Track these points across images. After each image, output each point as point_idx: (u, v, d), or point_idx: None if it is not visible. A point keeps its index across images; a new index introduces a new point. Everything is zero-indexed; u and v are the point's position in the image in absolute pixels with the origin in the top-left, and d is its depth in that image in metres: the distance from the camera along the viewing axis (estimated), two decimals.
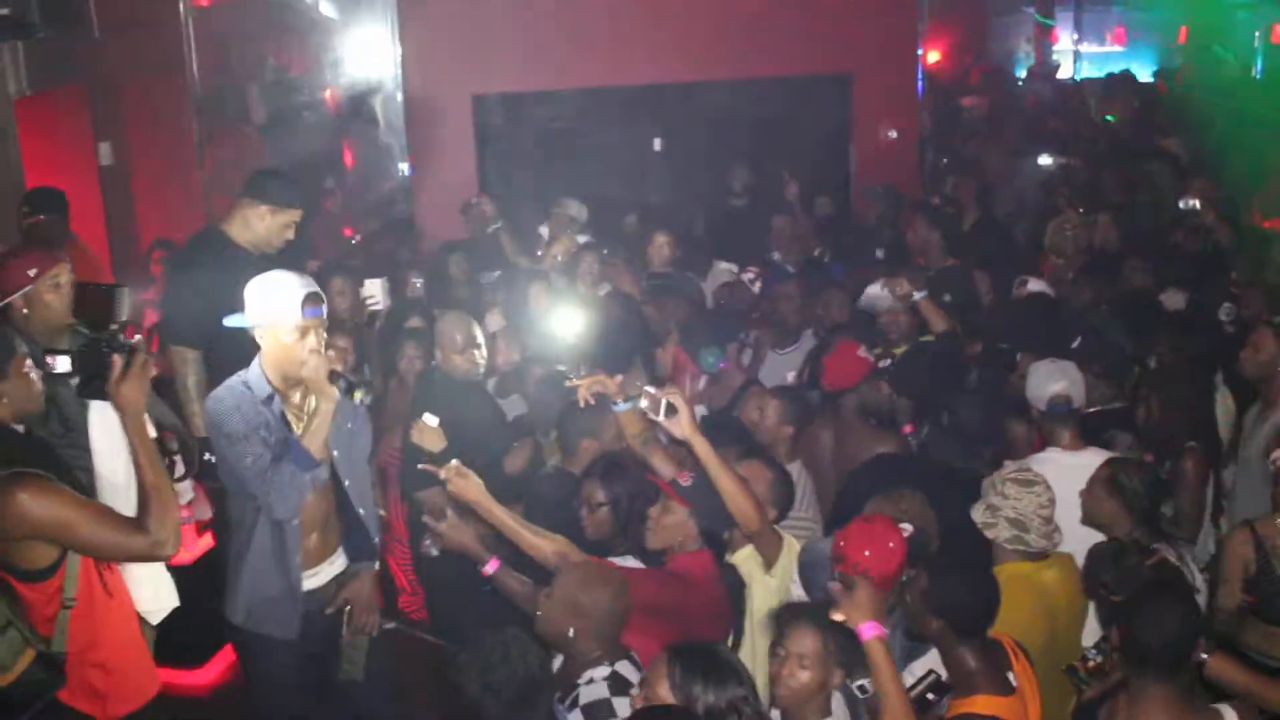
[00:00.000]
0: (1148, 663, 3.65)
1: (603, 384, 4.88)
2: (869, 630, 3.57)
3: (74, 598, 3.87)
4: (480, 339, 5.88)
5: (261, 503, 4.50)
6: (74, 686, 3.94)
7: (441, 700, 5.57)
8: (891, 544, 4.02)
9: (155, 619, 4.23)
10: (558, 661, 4.16)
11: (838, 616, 3.64)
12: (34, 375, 3.96)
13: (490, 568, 4.58)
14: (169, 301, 6.28)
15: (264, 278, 4.57)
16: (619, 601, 4.04)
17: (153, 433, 3.99)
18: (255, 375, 4.56)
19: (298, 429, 4.57)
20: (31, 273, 4.86)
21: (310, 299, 4.49)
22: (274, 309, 4.50)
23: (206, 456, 5.94)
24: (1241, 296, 7.11)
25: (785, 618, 3.88)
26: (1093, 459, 5.02)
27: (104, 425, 4.54)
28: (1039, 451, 5.39)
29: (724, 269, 8.81)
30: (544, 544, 4.46)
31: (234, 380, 4.56)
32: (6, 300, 4.87)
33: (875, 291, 6.91)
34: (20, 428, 4.00)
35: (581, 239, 8.42)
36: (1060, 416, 5.34)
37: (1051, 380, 5.38)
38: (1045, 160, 11.37)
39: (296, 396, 4.65)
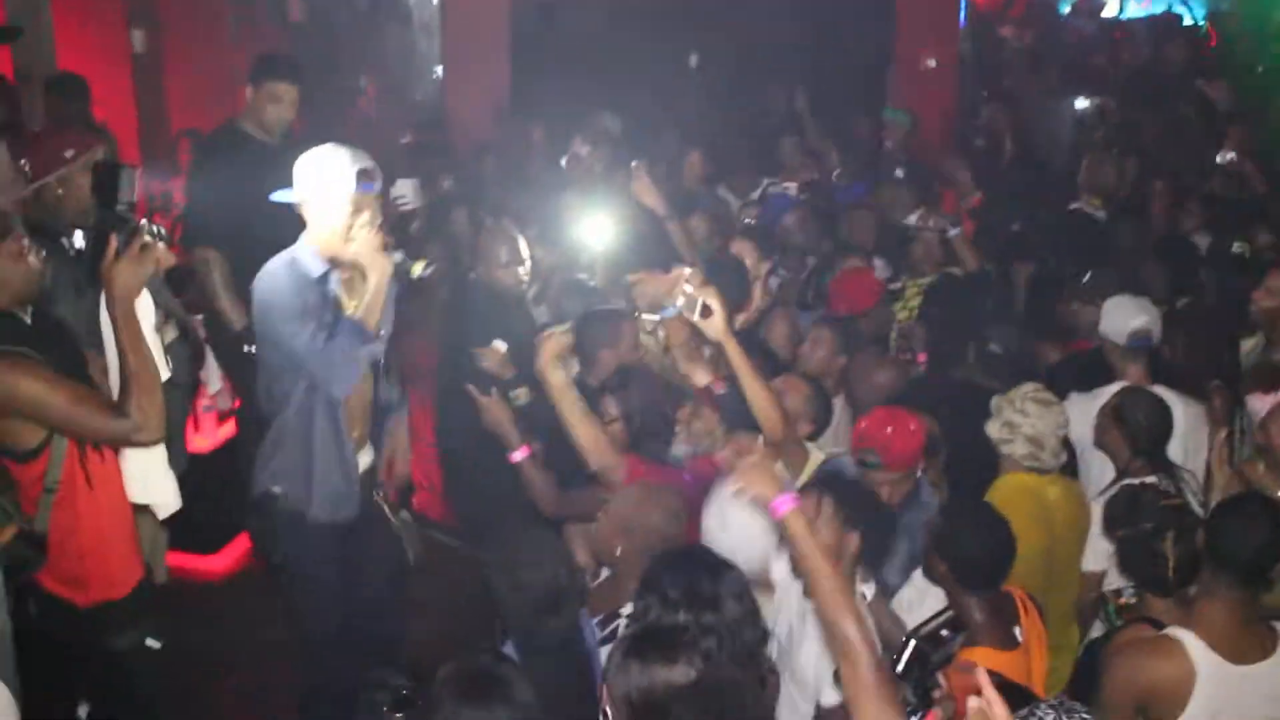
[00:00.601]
0: (1232, 568, 3.60)
1: (656, 280, 4.83)
2: (782, 505, 3.19)
3: (57, 481, 3.87)
4: (525, 253, 5.79)
5: (318, 381, 4.42)
6: (54, 571, 3.95)
7: (453, 600, 5.67)
8: (912, 426, 4.26)
9: (161, 514, 4.22)
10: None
11: (736, 488, 3.35)
12: (32, 258, 3.88)
13: (519, 454, 4.60)
14: (190, 202, 6.28)
15: (316, 152, 4.44)
16: (672, 525, 4.02)
17: (149, 323, 3.91)
18: (305, 253, 4.44)
19: (348, 308, 4.51)
20: (68, 154, 4.78)
21: (364, 174, 4.38)
22: (325, 183, 4.38)
23: (247, 348, 6.00)
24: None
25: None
26: (1161, 394, 5.01)
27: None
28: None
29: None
30: (599, 455, 4.46)
31: (281, 259, 4.44)
32: (42, 182, 4.80)
33: (911, 220, 6.86)
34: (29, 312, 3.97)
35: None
36: (1138, 351, 5.34)
37: (1133, 315, 5.37)
38: (1082, 103, 11.19)
39: (343, 275, 4.56)
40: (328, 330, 4.37)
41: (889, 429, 4.33)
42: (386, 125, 10.97)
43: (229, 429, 6.58)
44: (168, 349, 4.99)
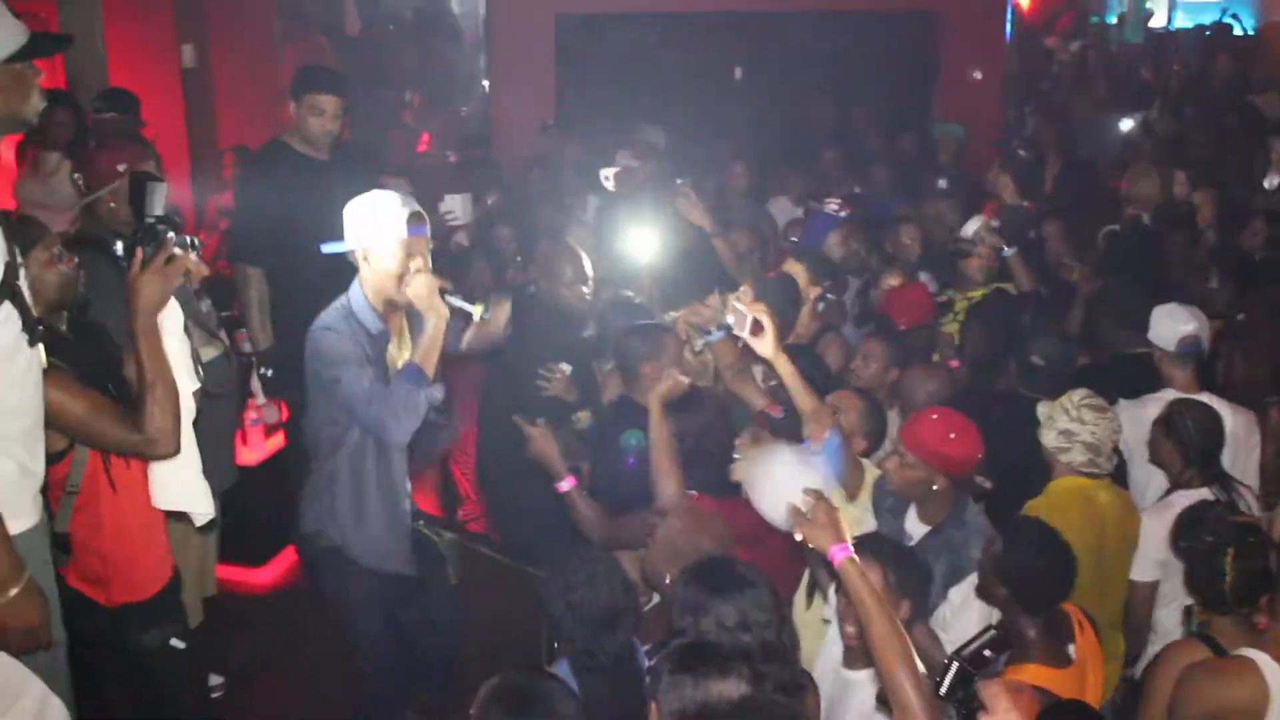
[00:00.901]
0: None
1: (698, 312, 4.82)
2: (839, 553, 3.24)
3: (78, 485, 3.91)
4: (590, 271, 5.77)
5: (377, 430, 4.39)
6: (79, 569, 4.01)
7: (500, 617, 5.67)
8: (971, 433, 4.28)
9: (197, 522, 4.22)
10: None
11: (799, 537, 3.38)
12: (63, 265, 3.94)
13: (566, 485, 4.59)
14: (235, 219, 6.30)
15: (363, 199, 4.45)
16: (720, 552, 3.97)
17: (176, 333, 3.86)
18: (361, 306, 4.42)
19: (398, 356, 4.52)
20: (121, 168, 4.83)
21: (414, 217, 4.38)
22: (376, 230, 4.38)
23: (264, 371, 6.02)
24: None
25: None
26: (1208, 402, 5.03)
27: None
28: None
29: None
30: (673, 492, 4.43)
31: (336, 311, 4.41)
32: (96, 195, 4.88)
33: (968, 231, 6.78)
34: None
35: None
36: (1186, 358, 5.34)
37: (1182, 321, 5.36)
38: (1128, 122, 11.09)
39: (396, 322, 4.58)
40: (385, 379, 4.37)
41: (951, 434, 4.26)
42: (433, 140, 11.05)
43: (277, 441, 6.61)
44: (211, 363, 5.03)
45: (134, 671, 4.23)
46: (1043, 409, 4.73)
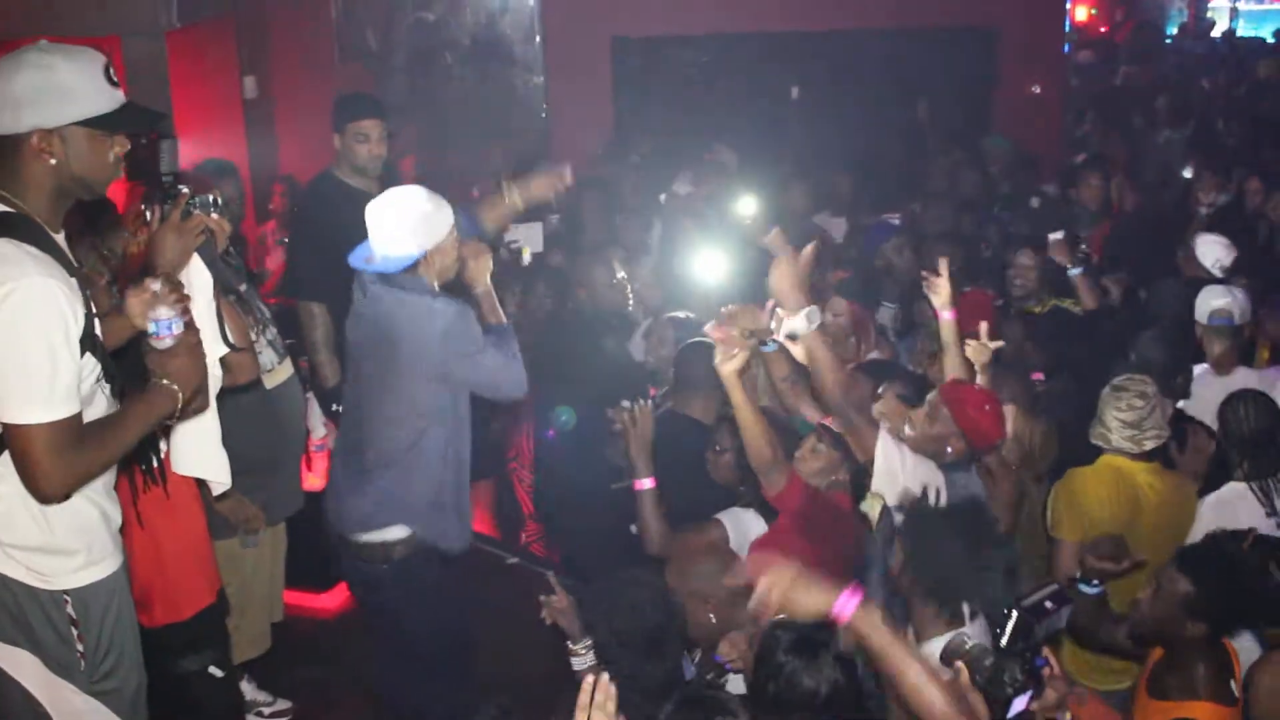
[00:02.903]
0: None
1: (752, 314, 4.78)
2: (845, 609, 2.87)
3: None
4: (621, 274, 5.82)
5: (502, 393, 4.65)
6: None
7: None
8: (988, 404, 4.34)
9: (215, 490, 4.23)
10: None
11: (779, 617, 3.06)
12: None
13: (646, 483, 4.61)
14: (292, 257, 6.31)
15: (407, 206, 4.45)
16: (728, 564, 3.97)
17: (206, 294, 3.88)
18: (444, 298, 4.51)
19: None
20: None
21: (452, 209, 4.57)
22: (438, 227, 4.46)
23: (336, 407, 6.03)
24: None
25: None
26: (1244, 378, 5.39)
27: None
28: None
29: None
30: (765, 457, 4.34)
31: (437, 302, 4.45)
32: None
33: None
34: None
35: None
36: (1218, 330, 5.63)
37: (1215, 296, 5.71)
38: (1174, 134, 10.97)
39: None
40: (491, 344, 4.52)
41: (986, 406, 4.38)
42: (492, 166, 11.09)
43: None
44: (278, 389, 5.06)
45: (172, 697, 4.21)
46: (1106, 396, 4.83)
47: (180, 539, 4.23)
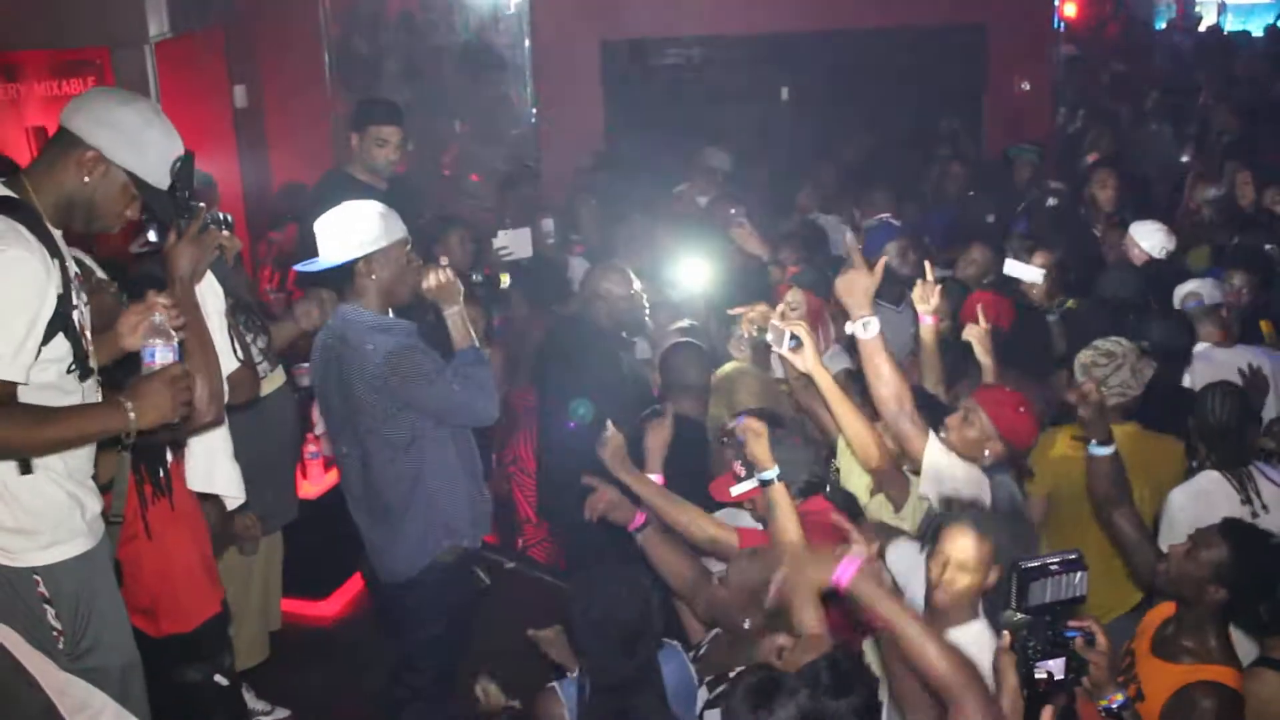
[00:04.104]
0: None
1: (764, 313, 4.79)
2: (845, 573, 3.12)
3: (120, 514, 3.99)
4: (637, 285, 5.84)
5: (474, 419, 4.59)
6: (129, 598, 3.91)
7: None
8: (1035, 420, 4.37)
9: (229, 505, 4.25)
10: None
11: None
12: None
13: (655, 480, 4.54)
14: (302, 249, 6.34)
15: (351, 210, 4.53)
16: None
17: (218, 309, 3.87)
18: (387, 319, 4.52)
19: None
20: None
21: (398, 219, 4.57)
22: (379, 236, 4.46)
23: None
24: None
25: (944, 521, 3.73)
26: (1242, 355, 5.71)
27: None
28: None
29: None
30: (707, 528, 4.35)
31: (385, 330, 4.48)
32: None
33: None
34: None
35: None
36: (1192, 313, 5.93)
37: (1184, 284, 6.12)
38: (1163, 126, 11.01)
39: None
40: (452, 370, 4.48)
41: (1021, 408, 4.39)
42: (482, 171, 11.11)
43: (335, 475, 6.64)
44: (270, 397, 5.06)
45: (178, 706, 4.21)
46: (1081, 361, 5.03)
47: (189, 549, 4.25)
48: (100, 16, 7.67)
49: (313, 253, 5.46)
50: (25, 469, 3.22)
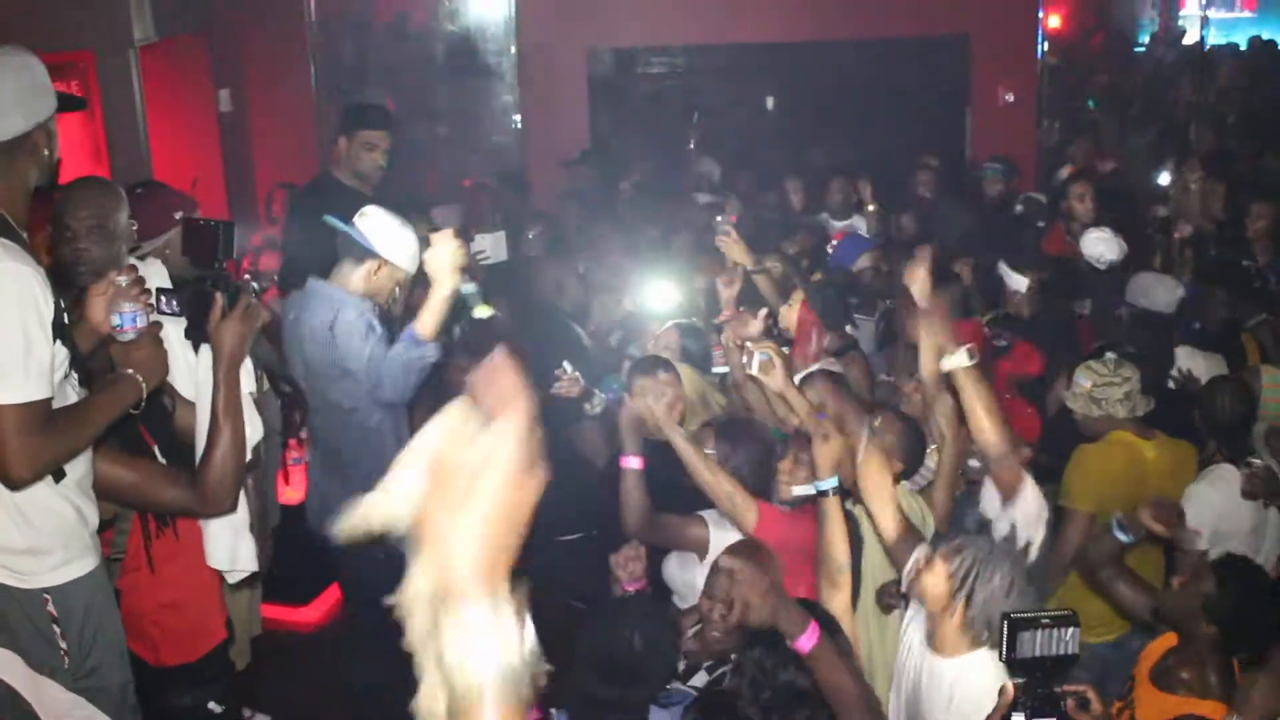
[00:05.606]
0: None
1: (745, 321, 4.79)
2: (807, 642, 3.35)
3: (123, 551, 3.98)
4: (581, 269, 6.17)
5: (379, 393, 4.70)
6: (128, 626, 3.89)
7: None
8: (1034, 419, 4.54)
9: (232, 579, 4.14)
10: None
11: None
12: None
13: (634, 461, 4.48)
14: (289, 250, 6.36)
15: (402, 225, 4.83)
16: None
17: (249, 386, 3.76)
18: (354, 297, 4.78)
19: None
20: (177, 215, 4.68)
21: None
22: (403, 256, 4.80)
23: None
24: None
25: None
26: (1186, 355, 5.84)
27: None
28: None
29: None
30: (726, 485, 4.36)
31: (347, 304, 4.74)
32: (154, 243, 4.69)
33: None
34: None
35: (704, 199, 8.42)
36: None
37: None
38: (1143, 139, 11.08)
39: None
40: (386, 343, 4.71)
41: (1028, 409, 4.68)
42: (467, 176, 11.10)
43: None
44: (259, 399, 5.04)
45: None
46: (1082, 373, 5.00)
47: (197, 580, 4.14)
48: (85, 21, 7.65)
49: (300, 249, 5.58)
50: (59, 475, 3.22)
